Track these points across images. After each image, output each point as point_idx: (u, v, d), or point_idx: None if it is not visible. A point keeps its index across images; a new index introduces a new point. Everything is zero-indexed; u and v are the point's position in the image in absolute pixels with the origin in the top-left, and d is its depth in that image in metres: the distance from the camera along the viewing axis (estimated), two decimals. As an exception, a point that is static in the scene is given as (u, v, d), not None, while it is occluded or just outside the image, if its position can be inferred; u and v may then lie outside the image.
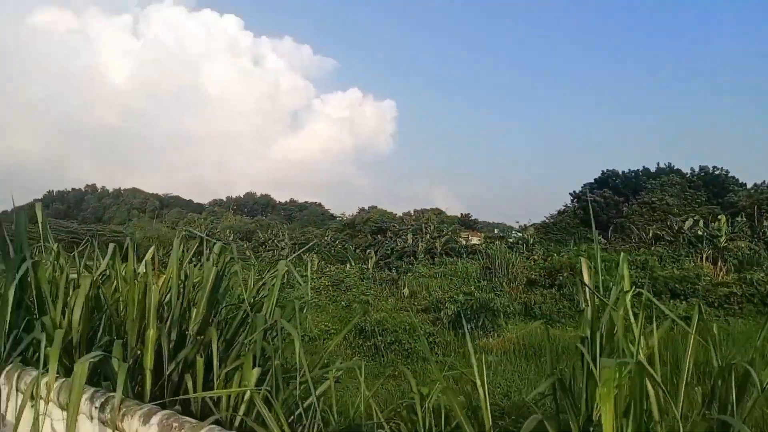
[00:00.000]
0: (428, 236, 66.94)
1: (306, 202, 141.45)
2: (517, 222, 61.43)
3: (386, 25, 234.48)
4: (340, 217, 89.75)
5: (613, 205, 59.15)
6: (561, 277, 24.64)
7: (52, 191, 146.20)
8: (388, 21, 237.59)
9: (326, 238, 71.40)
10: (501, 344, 14.03)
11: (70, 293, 3.72)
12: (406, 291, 25.22)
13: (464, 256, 56.60)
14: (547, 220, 59.68)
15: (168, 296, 3.71)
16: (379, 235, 68.59)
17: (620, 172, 65.75)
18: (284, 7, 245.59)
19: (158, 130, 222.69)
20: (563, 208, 61.61)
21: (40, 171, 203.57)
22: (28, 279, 3.79)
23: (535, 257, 30.69)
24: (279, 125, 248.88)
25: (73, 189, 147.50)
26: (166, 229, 67.86)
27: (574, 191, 64.02)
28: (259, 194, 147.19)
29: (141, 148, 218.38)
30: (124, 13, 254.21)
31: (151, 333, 3.38)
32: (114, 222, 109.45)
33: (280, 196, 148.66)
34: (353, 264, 39.16)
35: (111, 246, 4.24)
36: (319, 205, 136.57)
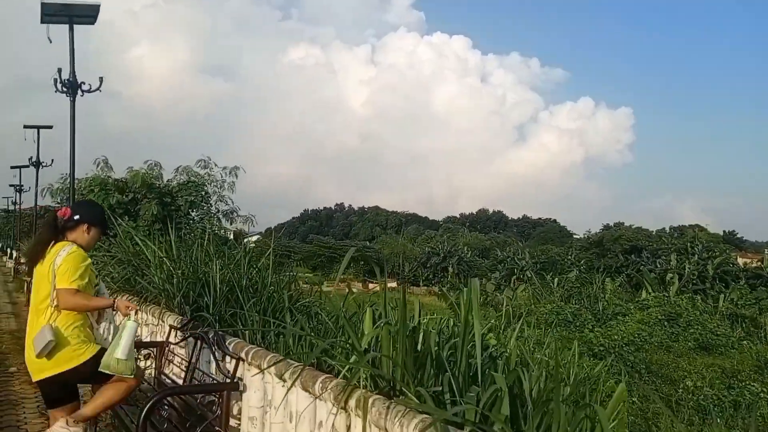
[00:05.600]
0: (696, 257, 59.02)
1: (540, 219, 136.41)
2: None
3: (619, 28, 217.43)
4: (583, 234, 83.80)
5: None
6: None
7: (308, 210, 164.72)
8: (621, 24, 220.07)
9: (569, 257, 67.01)
10: None
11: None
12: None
13: (742, 281, 48.24)
14: None
15: None
16: (633, 255, 62.37)
17: None
18: (511, 23, 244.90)
19: (392, 151, 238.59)
20: None
21: (293, 191, 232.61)
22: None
23: None
24: (505, 139, 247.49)
25: (324, 207, 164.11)
26: (411, 246, 70.94)
27: None
28: (491, 211, 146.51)
29: (377, 168, 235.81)
30: (363, 44, 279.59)
31: None
32: (360, 238, 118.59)
33: (511, 212, 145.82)
34: (650, 290, 33.62)
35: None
36: (554, 221, 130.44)
